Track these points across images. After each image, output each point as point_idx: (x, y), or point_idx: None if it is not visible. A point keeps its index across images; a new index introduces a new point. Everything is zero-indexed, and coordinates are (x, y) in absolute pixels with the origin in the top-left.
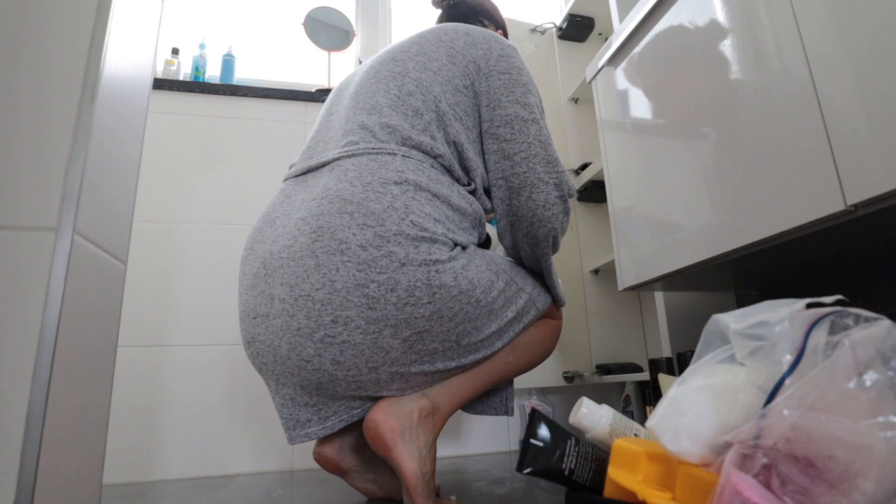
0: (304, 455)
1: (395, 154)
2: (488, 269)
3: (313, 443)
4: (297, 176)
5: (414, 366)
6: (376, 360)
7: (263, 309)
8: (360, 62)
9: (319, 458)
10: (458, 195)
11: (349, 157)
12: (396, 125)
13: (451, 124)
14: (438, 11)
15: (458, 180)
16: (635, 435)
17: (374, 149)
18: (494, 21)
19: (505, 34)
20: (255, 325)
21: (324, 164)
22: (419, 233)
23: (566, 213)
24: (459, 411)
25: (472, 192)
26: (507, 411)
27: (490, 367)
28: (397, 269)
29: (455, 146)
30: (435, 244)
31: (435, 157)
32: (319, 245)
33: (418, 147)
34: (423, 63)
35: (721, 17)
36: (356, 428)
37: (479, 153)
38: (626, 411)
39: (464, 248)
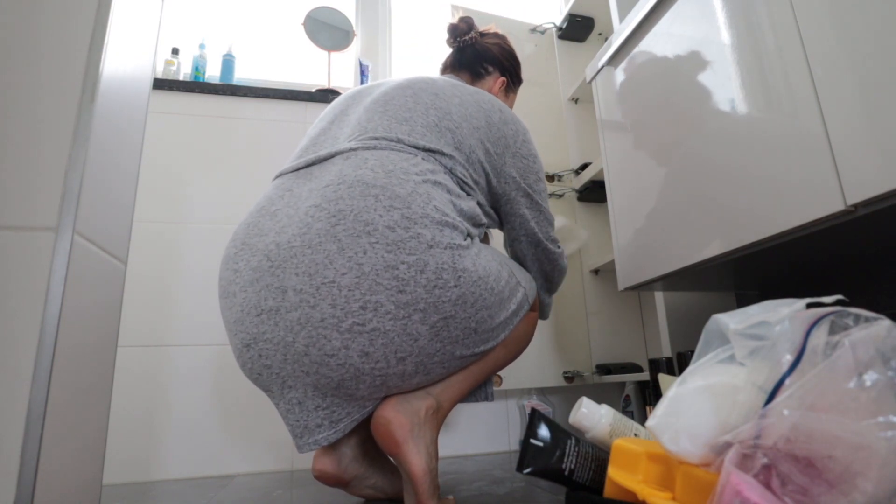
0: (303, 455)
1: (416, 155)
2: (494, 259)
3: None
4: (299, 170)
5: (437, 355)
6: (405, 350)
7: (271, 304)
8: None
9: (321, 476)
10: (465, 200)
11: (368, 149)
12: (424, 140)
13: (476, 170)
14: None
15: (464, 191)
16: (635, 435)
17: (396, 147)
18: (500, 66)
19: (512, 79)
20: (259, 323)
21: (335, 154)
22: (443, 217)
23: (561, 272)
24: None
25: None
26: (488, 397)
27: (485, 362)
28: (425, 250)
29: (473, 186)
30: (455, 230)
31: (450, 170)
32: (342, 228)
33: (439, 153)
34: (464, 115)
35: (720, 16)
36: (353, 438)
37: (489, 192)
38: (626, 411)
39: (472, 239)
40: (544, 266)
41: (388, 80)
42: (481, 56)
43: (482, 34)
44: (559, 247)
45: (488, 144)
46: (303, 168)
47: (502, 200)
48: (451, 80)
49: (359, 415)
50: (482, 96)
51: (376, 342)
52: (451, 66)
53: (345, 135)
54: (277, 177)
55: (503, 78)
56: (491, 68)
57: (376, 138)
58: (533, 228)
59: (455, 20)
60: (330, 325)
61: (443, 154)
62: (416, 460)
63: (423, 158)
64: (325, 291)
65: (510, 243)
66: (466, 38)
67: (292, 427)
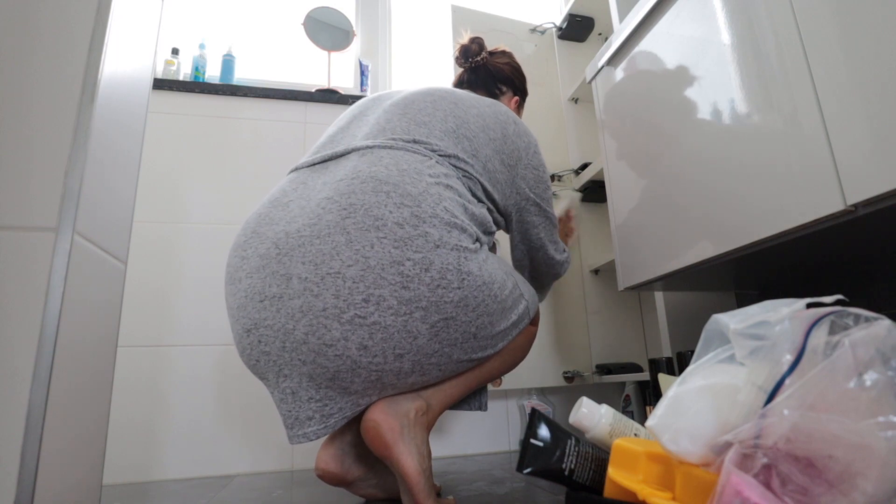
0: (304, 455)
1: (431, 158)
2: (500, 268)
3: (315, 443)
4: (315, 164)
5: (434, 356)
6: (403, 347)
7: (275, 290)
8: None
9: (323, 475)
10: (476, 206)
11: (385, 148)
12: (441, 144)
13: (490, 180)
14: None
15: (476, 198)
16: (635, 435)
17: (412, 149)
18: (513, 87)
19: (523, 97)
20: (261, 309)
21: (351, 151)
22: (451, 218)
23: (555, 277)
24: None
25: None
26: (482, 406)
27: (480, 371)
28: (432, 249)
29: (486, 194)
30: (464, 233)
31: (464, 176)
32: (351, 221)
33: (454, 157)
34: (482, 126)
35: (720, 16)
36: (357, 438)
37: (503, 198)
38: (626, 411)
39: (481, 245)
40: (541, 268)
41: (408, 87)
42: (495, 76)
43: (491, 53)
44: (564, 250)
45: (503, 156)
46: (318, 163)
47: (512, 210)
48: (469, 93)
49: (350, 412)
50: (499, 108)
51: (376, 336)
52: (468, 84)
53: (363, 133)
54: (293, 171)
55: (516, 97)
56: (505, 88)
57: (393, 139)
58: (539, 234)
59: (465, 41)
60: (331, 315)
61: (458, 159)
62: (408, 461)
63: (437, 162)
64: (330, 281)
65: (513, 246)
66: (478, 58)
67: (284, 417)
